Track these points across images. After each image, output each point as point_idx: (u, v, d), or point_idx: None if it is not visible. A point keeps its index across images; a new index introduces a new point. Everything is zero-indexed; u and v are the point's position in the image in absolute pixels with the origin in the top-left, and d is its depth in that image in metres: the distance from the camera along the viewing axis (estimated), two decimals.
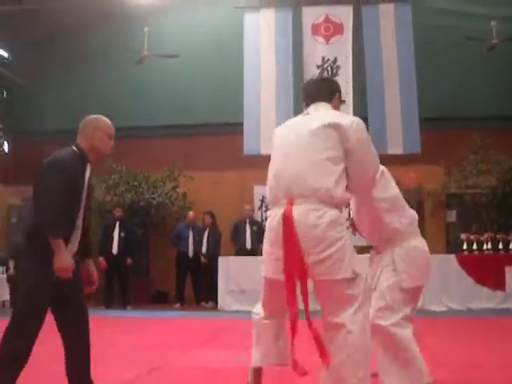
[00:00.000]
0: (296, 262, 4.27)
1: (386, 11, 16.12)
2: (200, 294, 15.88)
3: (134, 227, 16.11)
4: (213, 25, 18.94)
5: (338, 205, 4.35)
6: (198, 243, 15.86)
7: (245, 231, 15.87)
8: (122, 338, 9.45)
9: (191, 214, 16.20)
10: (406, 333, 5.19)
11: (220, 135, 18.24)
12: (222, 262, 14.54)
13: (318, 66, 16.07)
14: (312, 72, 16.02)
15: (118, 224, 15.34)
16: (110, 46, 19.29)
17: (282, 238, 4.29)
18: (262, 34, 16.53)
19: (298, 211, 4.26)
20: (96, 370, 5.03)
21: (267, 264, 4.56)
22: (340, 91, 4.98)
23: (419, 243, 5.37)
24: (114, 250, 15.25)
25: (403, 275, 5.17)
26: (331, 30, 16.26)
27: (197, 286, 16.02)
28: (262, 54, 16.39)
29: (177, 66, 18.38)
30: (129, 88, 19.21)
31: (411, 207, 5.52)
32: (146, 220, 16.99)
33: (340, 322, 4.24)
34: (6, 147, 22.12)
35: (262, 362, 4.94)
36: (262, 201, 16.95)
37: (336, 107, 4.82)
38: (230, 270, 14.35)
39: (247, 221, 16.02)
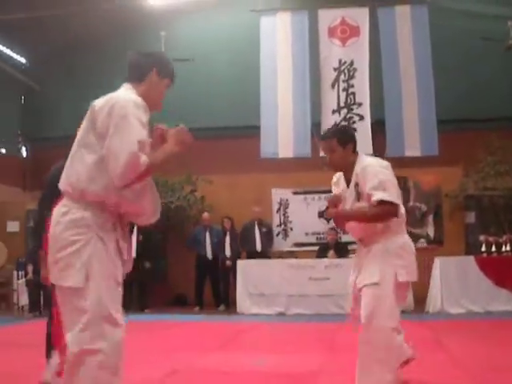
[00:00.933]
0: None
1: (403, 13, 16.08)
2: (219, 297, 15.85)
3: (152, 231, 16.10)
4: (229, 28, 18.96)
5: (95, 204, 3.78)
6: (216, 246, 15.85)
7: (254, 233, 15.83)
8: (141, 342, 9.47)
9: (206, 215, 16.12)
10: (398, 341, 5.18)
11: (237, 139, 18.23)
12: (241, 265, 14.53)
13: (334, 69, 16.05)
14: (329, 75, 16.04)
15: (135, 228, 15.32)
16: (127, 50, 19.34)
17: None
18: (279, 37, 16.53)
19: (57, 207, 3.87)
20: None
21: None
22: (159, 66, 4.25)
23: (408, 240, 5.36)
24: (132, 254, 15.11)
25: (399, 269, 5.11)
26: (347, 32, 16.23)
27: (216, 288, 15.99)
28: (278, 56, 16.39)
29: (194, 70, 18.42)
30: None
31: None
32: (164, 224, 17.01)
33: (67, 341, 3.68)
34: (24, 152, 22.23)
35: None
36: (280, 203, 16.94)
37: (153, 87, 4.22)
38: (249, 273, 14.33)
39: (256, 223, 15.96)
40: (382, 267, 5.11)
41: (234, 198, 16.98)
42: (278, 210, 17.04)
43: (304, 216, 16.63)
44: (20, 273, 15.83)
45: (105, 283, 3.83)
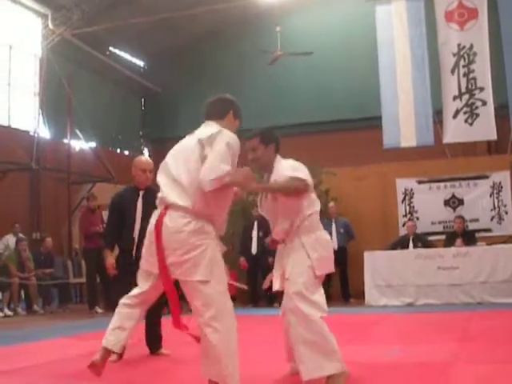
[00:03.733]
0: (160, 260, 4.75)
1: None
2: (347, 289, 15.76)
3: None
4: (343, 20, 19.01)
5: (203, 216, 4.72)
6: (342, 237, 15.68)
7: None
8: (271, 336, 9.55)
9: (331, 205, 15.86)
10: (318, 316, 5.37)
11: (359, 130, 18.21)
12: (368, 256, 14.42)
13: (453, 54, 15.79)
14: (448, 61, 15.80)
15: (256, 223, 15.35)
16: (244, 48, 19.61)
17: (155, 238, 4.79)
18: (395, 25, 16.39)
19: (168, 217, 4.74)
20: (249, 369, 5.16)
21: (143, 257, 5.03)
22: (235, 109, 5.31)
23: (322, 234, 5.68)
24: (254, 250, 15.28)
25: (316, 262, 5.44)
26: (465, 15, 15.94)
27: (344, 280, 15.83)
28: (395, 45, 16.25)
29: (310, 64, 18.49)
30: (263, 88, 19.48)
31: None
32: None
33: (203, 321, 4.66)
34: (146, 153, 22.85)
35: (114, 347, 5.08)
36: (405, 194, 16.70)
37: (229, 125, 5.17)
38: (376, 264, 14.23)
39: (411, 238, 15.10)
40: (299, 261, 5.51)
41: (358, 189, 16.80)
42: (403, 200, 16.79)
43: (430, 205, 16.35)
44: None
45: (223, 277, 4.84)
